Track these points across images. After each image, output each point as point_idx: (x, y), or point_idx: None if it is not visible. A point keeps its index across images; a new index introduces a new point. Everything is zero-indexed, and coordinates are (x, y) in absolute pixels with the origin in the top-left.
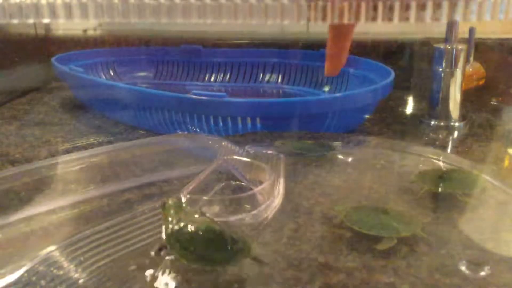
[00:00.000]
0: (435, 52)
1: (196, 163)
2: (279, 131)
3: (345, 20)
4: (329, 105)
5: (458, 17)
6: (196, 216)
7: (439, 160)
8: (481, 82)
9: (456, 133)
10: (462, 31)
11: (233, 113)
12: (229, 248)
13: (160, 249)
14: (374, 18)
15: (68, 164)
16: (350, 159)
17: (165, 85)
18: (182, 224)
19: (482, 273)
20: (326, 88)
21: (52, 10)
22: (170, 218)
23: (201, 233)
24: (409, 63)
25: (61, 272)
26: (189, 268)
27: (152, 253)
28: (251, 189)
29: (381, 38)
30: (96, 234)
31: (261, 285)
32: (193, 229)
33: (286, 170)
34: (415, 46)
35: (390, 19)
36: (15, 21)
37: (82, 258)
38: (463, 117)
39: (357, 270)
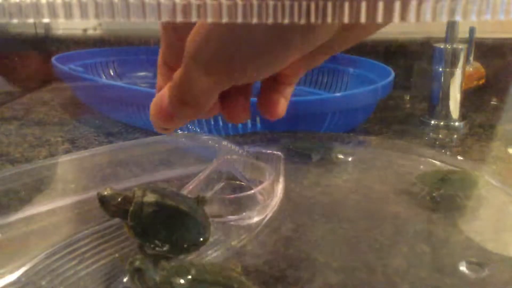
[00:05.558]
0: (435, 52)
1: (196, 163)
2: (279, 131)
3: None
4: (329, 105)
5: (458, 17)
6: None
7: (439, 161)
8: (481, 82)
9: (456, 133)
10: (462, 31)
11: None
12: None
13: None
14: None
15: (68, 164)
16: (350, 159)
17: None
18: (138, 208)
19: (482, 273)
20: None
21: (52, 10)
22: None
23: (164, 217)
24: (409, 63)
25: (61, 272)
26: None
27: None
28: (251, 189)
29: (381, 38)
30: (96, 234)
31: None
32: (156, 216)
33: (286, 170)
34: (415, 46)
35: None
36: (15, 21)
37: (82, 258)
38: (463, 117)
39: (357, 270)
